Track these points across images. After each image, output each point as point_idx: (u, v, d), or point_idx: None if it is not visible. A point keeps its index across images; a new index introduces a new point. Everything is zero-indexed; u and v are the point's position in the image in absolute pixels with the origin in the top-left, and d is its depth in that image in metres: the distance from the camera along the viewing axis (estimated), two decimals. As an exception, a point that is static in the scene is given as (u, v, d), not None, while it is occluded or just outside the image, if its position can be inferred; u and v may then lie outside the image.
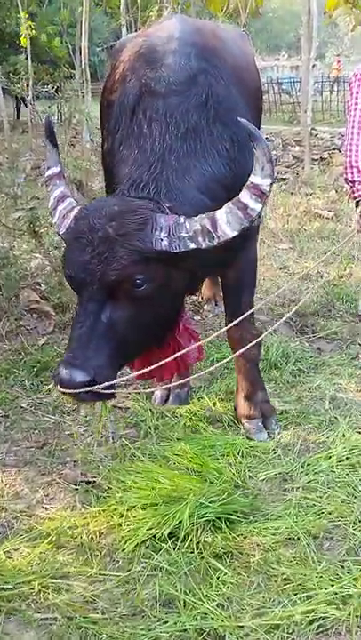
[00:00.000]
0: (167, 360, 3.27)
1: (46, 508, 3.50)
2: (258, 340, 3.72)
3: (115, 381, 2.95)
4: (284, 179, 11.66)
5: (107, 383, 2.90)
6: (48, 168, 3.42)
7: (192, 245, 2.97)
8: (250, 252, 4.00)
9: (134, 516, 3.32)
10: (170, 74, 3.41)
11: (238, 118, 3.03)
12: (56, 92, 7.87)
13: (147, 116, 3.35)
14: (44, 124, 3.57)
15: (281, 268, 7.21)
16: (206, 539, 3.19)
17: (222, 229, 2.96)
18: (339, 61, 33.84)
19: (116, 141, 3.52)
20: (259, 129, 3.95)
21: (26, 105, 15.50)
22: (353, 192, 4.84)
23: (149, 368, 3.19)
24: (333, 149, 15.05)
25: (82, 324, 2.95)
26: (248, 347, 3.57)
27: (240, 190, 3.05)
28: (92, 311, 2.95)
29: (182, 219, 2.99)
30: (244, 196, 2.95)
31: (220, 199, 3.20)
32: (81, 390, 2.87)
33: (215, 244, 2.97)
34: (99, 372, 2.90)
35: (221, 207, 3.02)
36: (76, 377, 2.86)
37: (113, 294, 2.95)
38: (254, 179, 2.94)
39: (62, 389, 2.90)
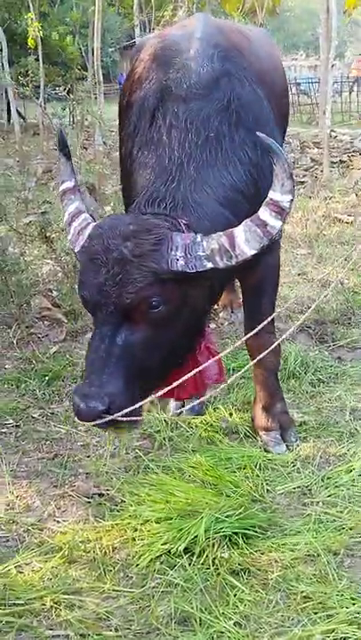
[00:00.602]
0: (185, 379, 3.16)
1: (58, 522, 3.43)
2: (273, 346, 3.62)
3: (133, 407, 2.83)
4: (302, 182, 11.59)
5: (123, 411, 2.79)
6: (62, 182, 3.33)
7: (209, 265, 2.88)
8: (272, 256, 3.89)
9: (148, 531, 3.25)
10: (191, 76, 3.34)
11: (258, 133, 2.95)
12: (68, 93, 7.84)
13: (167, 122, 3.28)
14: (57, 136, 3.47)
15: (299, 274, 7.11)
16: (223, 554, 3.10)
17: (241, 248, 2.87)
18: (359, 61, 33.83)
19: (135, 146, 3.46)
20: (285, 133, 3.90)
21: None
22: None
23: (167, 389, 3.06)
24: (354, 152, 14.98)
25: (97, 349, 2.88)
26: (265, 353, 3.45)
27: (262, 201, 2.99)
28: (107, 335, 2.87)
29: (199, 237, 2.90)
30: (264, 213, 2.86)
31: (240, 210, 3.15)
32: (99, 422, 2.79)
33: (233, 263, 2.88)
34: (114, 400, 2.79)
35: (242, 220, 2.94)
36: (91, 406, 2.77)
37: (129, 317, 2.87)
38: (274, 195, 2.85)
39: (79, 420, 2.86)
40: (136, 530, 3.28)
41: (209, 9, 15.61)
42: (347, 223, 9.11)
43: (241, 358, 4.99)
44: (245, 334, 4.05)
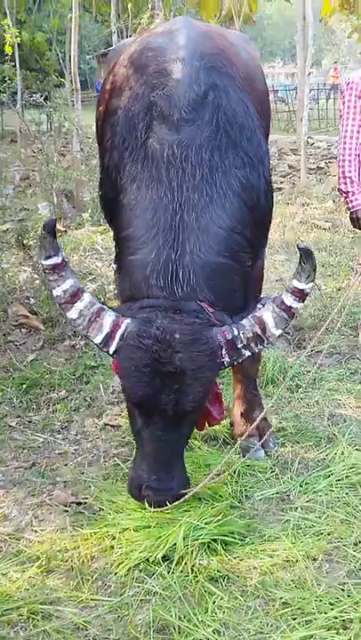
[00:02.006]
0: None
1: (36, 531, 3.39)
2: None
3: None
4: (280, 189, 11.64)
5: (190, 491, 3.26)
6: (48, 257, 3.16)
7: (247, 354, 3.12)
8: (255, 268, 3.90)
9: (127, 539, 3.21)
10: (180, 94, 3.28)
11: (298, 244, 3.19)
12: (45, 100, 7.82)
13: (163, 157, 3.22)
14: (46, 224, 3.22)
15: (278, 281, 7.13)
16: (201, 561, 3.08)
17: (270, 332, 3.11)
18: (336, 68, 34.10)
19: (125, 168, 3.35)
20: (268, 136, 3.90)
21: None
22: (347, 202, 4.81)
23: None
24: (330, 158, 15.11)
25: (160, 451, 3.16)
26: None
27: (255, 221, 3.30)
28: (166, 438, 3.13)
29: (235, 329, 3.08)
30: (288, 299, 3.10)
31: (240, 252, 3.28)
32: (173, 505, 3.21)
33: (265, 346, 3.12)
34: (182, 482, 3.26)
35: (241, 261, 3.23)
36: (169, 496, 3.19)
37: (186, 417, 3.13)
38: (298, 284, 3.08)
39: (154, 507, 3.21)
40: (114, 538, 3.24)
41: (185, 15, 15.65)
42: (324, 229, 9.16)
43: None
44: None
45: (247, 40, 4.57)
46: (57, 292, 3.17)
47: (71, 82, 11.69)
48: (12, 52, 14.23)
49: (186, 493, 3.21)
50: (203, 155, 3.22)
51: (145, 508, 3.32)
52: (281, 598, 2.91)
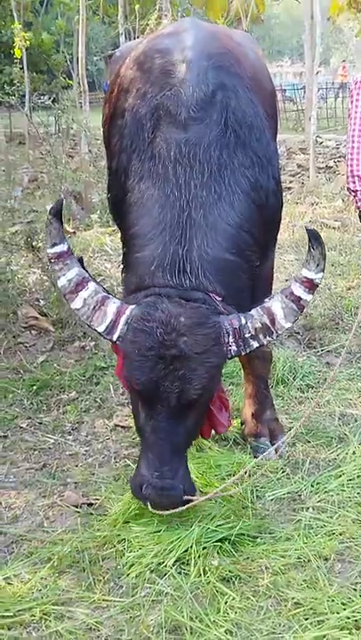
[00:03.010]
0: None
1: (47, 532, 3.39)
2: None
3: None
4: (289, 188, 11.62)
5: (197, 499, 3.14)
6: (53, 245, 3.17)
7: (255, 344, 3.04)
8: (266, 267, 3.90)
9: (138, 543, 3.20)
10: (188, 93, 3.26)
11: (305, 226, 3.18)
12: (53, 102, 7.82)
13: (170, 156, 3.20)
14: (53, 206, 3.25)
15: (287, 280, 7.10)
16: (213, 562, 3.08)
17: (280, 324, 3.04)
18: (344, 67, 34.02)
19: (132, 169, 3.35)
20: (276, 136, 3.88)
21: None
22: (356, 201, 4.80)
23: None
24: (339, 157, 15.07)
25: (162, 442, 3.03)
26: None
27: (264, 221, 3.24)
28: (170, 429, 3.01)
29: (243, 318, 3.02)
30: (297, 289, 3.03)
31: (247, 250, 3.25)
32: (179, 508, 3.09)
33: (274, 338, 3.06)
34: (186, 483, 3.10)
35: (249, 259, 3.19)
36: (171, 497, 3.04)
37: (191, 407, 3.02)
38: (308, 274, 3.02)
39: (154, 509, 3.09)
40: (125, 540, 3.24)
41: (192, 16, 15.64)
42: (334, 228, 9.14)
43: (229, 365, 4.97)
44: None
45: (252, 40, 4.57)
46: (62, 281, 3.14)
47: (79, 83, 11.72)
48: (21, 55, 14.28)
49: (191, 500, 3.11)
50: (211, 153, 3.20)
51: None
52: (293, 598, 2.90)
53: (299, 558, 3.14)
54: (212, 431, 3.54)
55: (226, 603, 2.89)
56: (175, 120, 3.25)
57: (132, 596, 2.95)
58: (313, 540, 3.26)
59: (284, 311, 3.04)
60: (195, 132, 3.22)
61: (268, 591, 2.96)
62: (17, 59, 13.59)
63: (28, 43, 14.61)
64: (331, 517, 3.42)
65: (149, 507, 3.09)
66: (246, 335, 3.01)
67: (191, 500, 3.10)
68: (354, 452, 3.93)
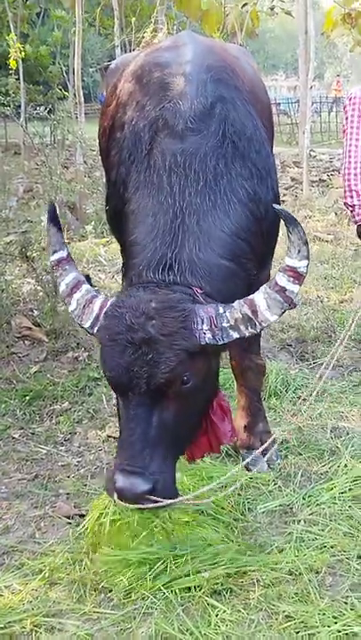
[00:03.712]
0: (200, 440, 3.29)
1: (39, 543, 3.39)
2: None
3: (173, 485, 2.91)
4: (283, 201, 11.63)
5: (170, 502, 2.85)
6: (54, 252, 3.20)
7: (235, 335, 2.88)
8: (265, 269, 3.92)
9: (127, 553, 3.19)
10: (186, 107, 3.27)
11: (274, 206, 2.99)
12: (49, 113, 7.84)
13: (166, 166, 3.20)
14: (48, 210, 3.30)
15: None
16: (204, 574, 3.06)
17: (263, 315, 2.88)
18: (339, 81, 34.24)
19: (131, 180, 3.36)
20: (272, 148, 3.89)
21: None
22: (353, 216, 4.84)
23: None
24: (333, 171, 15.15)
25: (133, 432, 2.85)
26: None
27: (262, 232, 3.15)
28: (141, 417, 2.84)
29: (221, 308, 2.90)
30: (281, 279, 2.87)
31: (243, 258, 3.20)
32: (148, 506, 2.81)
33: (257, 330, 2.91)
34: (158, 479, 2.81)
35: (245, 267, 3.09)
36: (137, 486, 2.77)
37: (161, 395, 2.85)
38: (291, 262, 2.86)
39: (121, 500, 2.83)
40: (117, 551, 3.23)
41: (189, 30, 15.71)
42: (326, 242, 9.18)
43: (221, 377, 4.98)
44: (232, 355, 4.05)
45: (248, 54, 4.60)
46: (61, 286, 3.15)
47: (74, 95, 11.74)
48: (16, 66, 14.32)
49: (172, 504, 2.90)
50: (207, 162, 3.19)
51: (150, 522, 3.29)
52: (284, 611, 2.90)
53: (290, 571, 3.14)
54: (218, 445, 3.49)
55: (217, 616, 2.89)
56: (173, 131, 3.25)
57: (124, 609, 2.94)
58: (304, 552, 3.25)
59: (268, 302, 2.88)
60: (191, 143, 3.22)
61: (259, 604, 2.96)
62: (12, 69, 13.62)
63: (23, 54, 14.65)
64: (322, 530, 3.42)
65: (116, 499, 2.86)
66: (224, 324, 2.87)
67: (161, 502, 2.83)
68: (346, 465, 3.93)
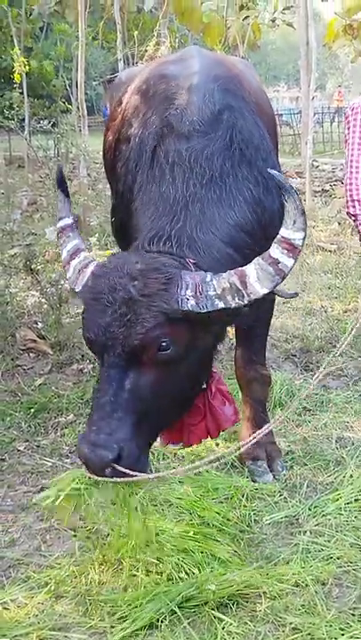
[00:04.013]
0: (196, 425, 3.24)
1: (44, 556, 3.39)
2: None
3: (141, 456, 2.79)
4: (287, 211, 11.66)
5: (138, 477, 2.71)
6: (60, 219, 3.25)
7: (220, 305, 2.76)
8: None
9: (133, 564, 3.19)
10: (193, 112, 3.29)
11: (269, 170, 2.89)
12: (52, 126, 7.88)
13: (169, 161, 3.21)
14: (56, 173, 3.37)
15: (284, 303, 7.13)
16: (210, 586, 3.04)
17: (253, 287, 2.75)
18: (340, 92, 34.35)
19: (136, 185, 3.38)
20: (277, 160, 3.89)
21: None
22: (356, 225, 4.85)
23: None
24: (335, 181, 15.15)
25: (104, 393, 2.74)
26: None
27: (266, 237, 2.99)
28: (114, 379, 2.74)
29: (209, 276, 2.80)
30: (275, 250, 2.74)
31: (246, 250, 3.12)
32: (113, 479, 2.71)
33: (245, 302, 2.77)
34: (123, 448, 2.68)
35: (247, 258, 2.89)
36: (100, 455, 2.65)
37: (137, 359, 2.75)
38: (285, 232, 2.73)
39: (87, 469, 2.74)
40: (122, 564, 3.23)
41: (191, 43, 15.81)
42: (330, 252, 9.19)
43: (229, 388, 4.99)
44: (237, 366, 4.04)
45: (251, 67, 4.64)
46: (63, 254, 3.16)
47: (78, 108, 11.83)
48: (20, 80, 14.44)
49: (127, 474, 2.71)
50: (214, 160, 3.17)
51: (157, 539, 3.28)
52: (291, 623, 2.89)
53: (296, 583, 3.12)
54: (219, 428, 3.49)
55: (223, 628, 2.87)
56: (178, 133, 3.27)
57: (130, 622, 2.92)
58: (311, 564, 3.24)
59: (258, 273, 2.74)
60: (197, 142, 3.22)
61: (265, 616, 2.95)
62: (16, 83, 13.72)
63: (27, 68, 14.77)
64: (328, 541, 3.41)
65: (84, 469, 2.77)
66: (210, 293, 2.75)
67: (127, 474, 2.70)
68: (351, 476, 3.92)
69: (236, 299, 2.77)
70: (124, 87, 4.01)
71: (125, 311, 2.70)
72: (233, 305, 2.77)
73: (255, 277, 2.75)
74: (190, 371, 2.98)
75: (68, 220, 3.22)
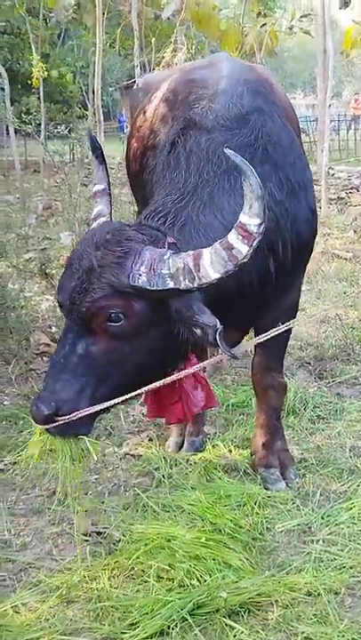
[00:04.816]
0: (173, 405, 3.36)
1: (56, 560, 3.38)
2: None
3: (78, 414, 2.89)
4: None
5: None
6: (94, 184, 3.41)
7: (171, 284, 2.76)
8: (294, 291, 3.89)
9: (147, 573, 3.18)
10: (218, 109, 3.32)
11: (225, 149, 2.74)
12: (69, 132, 7.92)
13: (186, 149, 3.26)
14: (89, 139, 3.54)
15: (299, 310, 7.09)
16: (221, 594, 3.02)
17: (205, 270, 2.72)
18: (357, 100, 34.27)
19: (157, 178, 3.46)
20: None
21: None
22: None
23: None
24: (351, 189, 15.12)
25: (57, 354, 2.94)
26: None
27: (282, 238, 3.12)
28: (68, 342, 2.91)
29: (168, 254, 2.80)
30: (231, 236, 2.68)
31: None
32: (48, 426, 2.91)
33: (195, 285, 2.74)
34: (61, 406, 2.86)
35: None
36: (40, 409, 2.86)
37: (89, 326, 2.87)
38: (242, 217, 2.65)
39: (33, 422, 2.94)
40: (134, 569, 3.22)
41: (208, 50, 15.84)
42: (345, 259, 9.16)
43: (240, 394, 4.98)
44: (254, 372, 4.02)
45: (271, 73, 4.65)
46: (91, 215, 3.32)
47: (94, 114, 11.88)
48: (38, 85, 14.53)
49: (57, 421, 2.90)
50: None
51: (169, 544, 3.28)
52: (303, 633, 2.87)
53: (309, 592, 3.10)
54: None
55: (235, 637, 2.86)
56: (200, 127, 3.31)
57: (142, 628, 2.91)
58: (323, 573, 3.22)
59: (212, 257, 2.69)
60: (219, 134, 3.25)
61: (277, 625, 2.93)
62: (34, 89, 13.81)
63: (46, 74, 14.86)
64: (341, 550, 3.38)
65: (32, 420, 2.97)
66: (163, 271, 2.75)
67: (63, 426, 2.91)
68: (365, 485, 3.89)
69: (187, 280, 2.75)
70: (148, 96, 4.02)
71: (84, 279, 2.83)
72: (182, 286, 2.76)
73: (209, 261, 2.73)
74: (149, 349, 2.98)
75: (100, 186, 3.37)
